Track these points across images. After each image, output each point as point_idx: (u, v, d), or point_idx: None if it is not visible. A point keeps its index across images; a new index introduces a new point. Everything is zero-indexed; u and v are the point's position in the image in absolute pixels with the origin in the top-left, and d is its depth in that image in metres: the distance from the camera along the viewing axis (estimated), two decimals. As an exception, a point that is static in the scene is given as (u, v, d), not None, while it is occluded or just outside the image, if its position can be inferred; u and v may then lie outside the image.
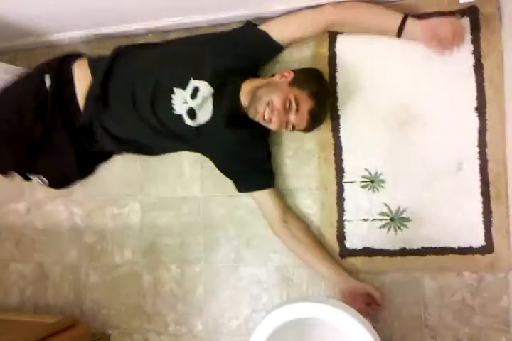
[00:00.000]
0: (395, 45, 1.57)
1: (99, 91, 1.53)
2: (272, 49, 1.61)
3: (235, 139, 1.58)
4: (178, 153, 1.76)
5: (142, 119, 1.53)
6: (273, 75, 1.54)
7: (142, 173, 1.84)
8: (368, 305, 1.54)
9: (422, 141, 1.57)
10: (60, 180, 1.73)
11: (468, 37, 1.52)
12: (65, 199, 1.92)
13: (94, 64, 1.59)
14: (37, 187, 1.91)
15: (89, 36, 1.85)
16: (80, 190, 1.89)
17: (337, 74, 1.64)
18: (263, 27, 1.57)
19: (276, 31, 1.56)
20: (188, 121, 1.52)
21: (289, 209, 1.64)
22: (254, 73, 1.64)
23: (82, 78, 1.57)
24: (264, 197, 1.60)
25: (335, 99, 1.63)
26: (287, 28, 1.57)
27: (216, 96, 1.51)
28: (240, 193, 1.66)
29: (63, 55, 1.64)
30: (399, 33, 1.49)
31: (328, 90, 1.59)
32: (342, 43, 1.64)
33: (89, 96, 1.54)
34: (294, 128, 1.46)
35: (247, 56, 1.57)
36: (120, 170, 1.85)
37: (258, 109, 1.43)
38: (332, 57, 1.64)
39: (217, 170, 1.66)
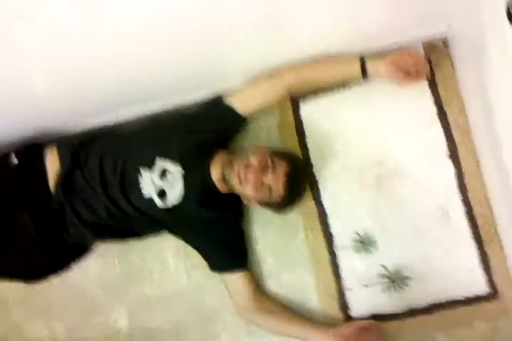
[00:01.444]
0: (356, 102, 1.60)
1: (69, 180, 1.52)
2: (236, 122, 1.60)
3: (207, 219, 1.54)
4: (159, 245, 1.69)
5: (114, 204, 1.49)
6: None
7: (123, 273, 1.73)
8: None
9: (403, 194, 1.55)
10: (30, 274, 1.64)
11: (426, 87, 1.57)
12: (43, 314, 1.77)
13: (62, 152, 1.57)
14: (11, 308, 1.74)
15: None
16: (58, 301, 1.76)
17: (307, 140, 1.63)
18: (229, 99, 1.57)
19: (240, 103, 1.56)
20: (159, 203, 1.48)
21: (261, 294, 1.59)
22: (225, 145, 1.63)
23: (52, 166, 1.56)
24: (234, 279, 1.55)
25: (310, 165, 1.62)
26: (250, 99, 1.57)
27: (186, 176, 1.48)
28: None
29: (30, 143, 1.64)
30: (363, 75, 1.50)
31: (304, 168, 1.59)
32: (306, 109, 1.65)
33: (59, 182, 1.52)
34: (270, 192, 1.41)
35: (213, 130, 1.57)
36: (98, 272, 1.73)
37: (234, 168, 1.41)
38: (299, 125, 1.64)
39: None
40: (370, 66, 1.48)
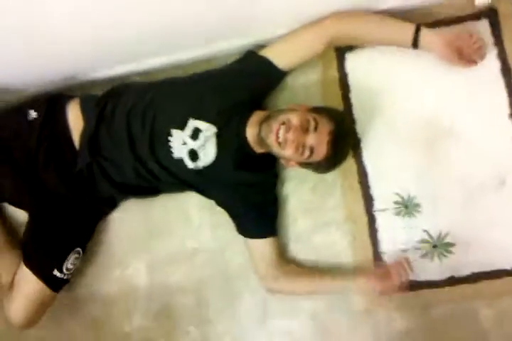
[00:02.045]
0: (411, 56, 1.45)
1: (94, 137, 1.43)
2: (276, 77, 1.48)
3: (241, 181, 1.46)
4: (183, 201, 1.61)
5: (142, 164, 1.42)
6: None
7: (144, 227, 1.64)
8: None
9: (456, 157, 1.45)
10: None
11: (491, 40, 1.44)
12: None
13: (85, 106, 1.48)
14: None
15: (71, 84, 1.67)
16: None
17: (351, 95, 1.51)
18: (264, 52, 1.44)
19: (278, 57, 1.43)
20: (189, 165, 1.39)
21: (284, 261, 1.50)
22: (260, 104, 1.51)
23: (75, 122, 1.47)
24: (260, 246, 1.47)
25: (352, 121, 1.50)
26: (289, 51, 1.44)
27: (220, 136, 1.38)
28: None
29: (52, 95, 1.55)
30: (414, 44, 1.37)
31: (349, 126, 1.48)
32: (352, 61, 1.52)
33: (85, 141, 1.43)
34: (311, 153, 1.28)
35: (249, 88, 1.44)
36: (119, 226, 1.66)
37: (272, 127, 1.28)
38: (343, 78, 1.52)
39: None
40: (423, 38, 1.35)
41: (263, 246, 1.46)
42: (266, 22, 1.45)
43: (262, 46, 1.49)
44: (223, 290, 1.59)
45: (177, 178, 1.45)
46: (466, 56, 1.37)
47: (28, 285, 1.49)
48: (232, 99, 1.41)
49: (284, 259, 1.50)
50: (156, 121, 1.40)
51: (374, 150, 1.50)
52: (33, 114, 1.48)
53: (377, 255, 1.49)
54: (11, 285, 1.52)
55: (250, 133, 1.38)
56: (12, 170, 1.46)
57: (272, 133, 1.28)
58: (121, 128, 1.42)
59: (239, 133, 1.39)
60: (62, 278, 1.51)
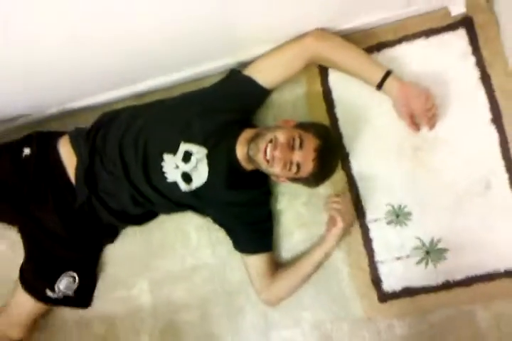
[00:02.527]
0: (390, 66, 1.46)
1: (87, 172, 1.46)
2: (260, 95, 1.50)
3: (234, 200, 1.48)
4: (181, 221, 1.64)
5: (137, 190, 1.44)
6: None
7: (145, 248, 1.68)
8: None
9: (441, 164, 1.48)
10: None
11: (469, 49, 1.47)
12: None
13: (76, 141, 1.50)
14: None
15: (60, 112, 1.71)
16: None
17: (336, 110, 1.54)
18: (247, 72, 1.47)
19: (261, 75, 1.45)
20: (183, 187, 1.41)
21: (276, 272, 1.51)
22: (248, 122, 1.53)
23: (68, 158, 1.49)
24: (256, 261, 1.49)
25: (339, 135, 1.53)
26: (271, 69, 1.46)
27: (211, 157, 1.40)
28: None
29: (41, 132, 1.57)
30: (379, 87, 1.42)
31: (335, 142, 1.49)
32: (335, 76, 1.55)
33: (80, 176, 1.46)
34: (298, 169, 1.31)
35: (235, 108, 1.47)
36: (120, 247, 1.69)
37: (259, 146, 1.31)
38: (327, 93, 1.55)
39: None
40: (388, 85, 1.39)
41: (259, 262, 1.48)
42: (249, 41, 1.47)
43: (245, 64, 1.52)
44: (225, 305, 1.61)
45: (171, 201, 1.47)
46: (417, 119, 1.42)
47: (22, 299, 1.57)
48: (219, 121, 1.43)
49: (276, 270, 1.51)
50: (148, 147, 1.42)
51: (362, 163, 1.52)
52: (26, 150, 1.51)
53: (372, 264, 1.51)
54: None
55: (240, 151, 1.40)
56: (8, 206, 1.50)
57: (259, 152, 1.32)
58: (114, 157, 1.44)
59: (229, 153, 1.41)
60: (55, 298, 1.56)
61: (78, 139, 1.50)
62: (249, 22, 1.30)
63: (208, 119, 1.42)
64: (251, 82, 1.46)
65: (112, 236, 1.67)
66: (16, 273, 1.61)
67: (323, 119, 1.55)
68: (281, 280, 1.48)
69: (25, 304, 1.57)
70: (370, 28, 1.52)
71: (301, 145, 1.29)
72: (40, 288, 1.55)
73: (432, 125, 1.42)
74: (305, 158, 1.30)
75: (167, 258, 1.65)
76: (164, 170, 1.42)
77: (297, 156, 1.29)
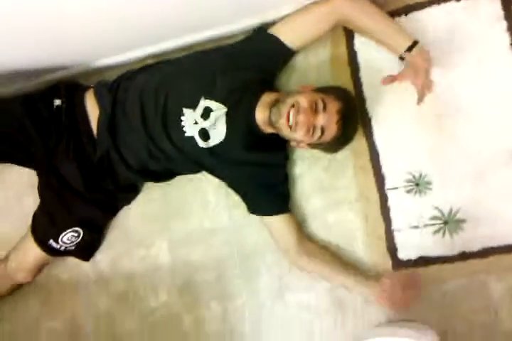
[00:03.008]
0: (418, 30, 1.45)
1: (109, 123, 1.47)
2: (285, 55, 1.49)
3: (250, 161, 1.49)
4: (200, 183, 1.66)
5: (155, 144, 1.45)
6: None
7: (164, 209, 1.71)
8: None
9: (466, 133, 1.45)
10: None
11: (501, 13, 1.42)
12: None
13: (100, 93, 1.52)
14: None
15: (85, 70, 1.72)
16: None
17: (361, 73, 1.51)
18: (273, 30, 1.45)
19: (288, 34, 1.43)
20: (200, 143, 1.42)
21: (304, 237, 1.53)
22: (270, 84, 1.52)
23: (92, 110, 1.51)
24: (276, 223, 1.49)
25: (362, 100, 1.51)
26: (298, 29, 1.44)
27: (230, 116, 1.40)
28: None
29: (70, 84, 1.60)
30: (401, 58, 1.38)
31: (356, 104, 1.47)
32: (361, 39, 1.51)
33: (102, 128, 1.48)
34: (322, 133, 1.31)
35: (259, 67, 1.46)
36: (139, 207, 1.72)
37: (282, 111, 1.30)
38: (352, 56, 1.52)
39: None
40: (410, 57, 1.35)
41: (278, 223, 1.49)
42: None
43: (270, 23, 1.50)
44: (241, 267, 1.65)
45: (188, 157, 1.48)
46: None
47: (30, 244, 1.63)
48: (242, 79, 1.42)
49: (303, 236, 1.53)
50: (169, 100, 1.42)
51: (384, 129, 1.50)
52: (57, 102, 1.53)
53: (389, 232, 1.52)
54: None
55: (260, 114, 1.40)
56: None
57: (282, 117, 1.31)
58: (134, 109, 1.45)
59: (248, 115, 1.41)
60: (57, 249, 1.62)
61: (102, 91, 1.52)
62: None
63: (230, 76, 1.42)
64: (277, 41, 1.44)
65: (128, 196, 1.70)
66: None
67: (347, 82, 1.52)
68: (311, 264, 1.51)
69: (32, 251, 1.63)
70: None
71: (324, 108, 1.29)
72: (45, 238, 1.61)
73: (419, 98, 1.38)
74: (329, 120, 1.29)
75: (185, 220, 1.68)
76: (183, 124, 1.42)
77: (321, 120, 1.29)
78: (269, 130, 1.43)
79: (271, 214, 1.49)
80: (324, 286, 1.56)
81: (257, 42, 1.48)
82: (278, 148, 1.52)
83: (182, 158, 1.49)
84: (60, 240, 1.60)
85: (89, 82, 1.67)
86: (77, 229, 1.61)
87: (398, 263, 1.51)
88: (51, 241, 1.60)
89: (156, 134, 1.44)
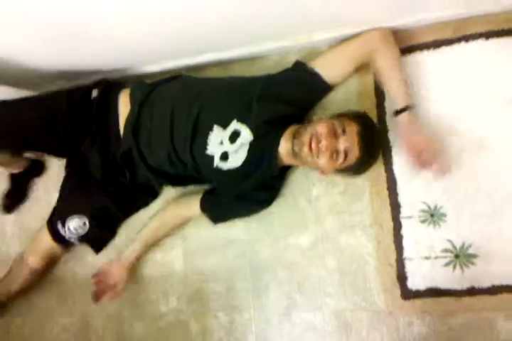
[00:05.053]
0: (449, 68, 1.50)
1: (135, 124, 1.52)
2: (323, 90, 1.54)
3: (244, 192, 1.57)
4: None
5: (176, 153, 1.49)
6: None
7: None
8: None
9: (484, 169, 1.46)
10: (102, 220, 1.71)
11: None
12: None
13: (134, 92, 1.58)
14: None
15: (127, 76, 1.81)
16: (118, 234, 1.82)
17: (385, 103, 1.55)
18: (313, 65, 1.50)
19: (327, 69, 1.49)
20: (216, 163, 1.47)
21: None
22: (300, 118, 1.55)
23: (123, 108, 1.57)
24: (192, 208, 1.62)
25: (385, 129, 1.54)
26: (335, 63, 1.49)
27: (254, 145, 1.44)
28: (287, 235, 1.64)
29: (110, 80, 1.67)
30: (394, 114, 1.45)
31: (374, 124, 1.49)
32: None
33: (128, 126, 1.53)
34: (346, 156, 1.34)
35: (299, 102, 1.51)
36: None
37: (303, 140, 1.35)
38: (379, 86, 1.55)
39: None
40: (401, 117, 1.42)
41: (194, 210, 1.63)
42: (313, 24, 1.50)
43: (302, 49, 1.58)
44: (252, 281, 1.68)
45: (199, 171, 1.53)
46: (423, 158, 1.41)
47: (43, 235, 1.71)
48: (276, 113, 1.46)
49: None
50: (202, 113, 1.45)
51: (404, 158, 1.51)
52: (94, 93, 1.60)
53: (400, 260, 1.52)
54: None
55: (282, 147, 1.45)
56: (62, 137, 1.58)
57: (304, 145, 1.35)
58: (163, 115, 1.49)
59: (271, 148, 1.46)
60: (63, 235, 1.67)
61: (136, 92, 1.58)
62: (319, 5, 1.32)
63: (267, 106, 1.44)
64: (317, 76, 1.48)
65: (145, 198, 1.76)
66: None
67: (371, 111, 1.56)
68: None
69: (44, 236, 1.70)
70: (427, 24, 1.52)
71: (343, 132, 1.32)
72: (54, 219, 1.67)
73: (425, 167, 1.43)
74: (350, 142, 1.33)
75: (202, 229, 1.73)
76: (208, 141, 1.45)
77: (343, 143, 1.33)
78: (290, 161, 1.47)
79: (209, 218, 1.62)
80: (331, 309, 1.59)
81: (298, 75, 1.52)
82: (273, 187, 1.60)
83: (195, 170, 1.53)
84: (66, 225, 1.65)
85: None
86: (85, 217, 1.66)
87: (407, 292, 1.52)
88: (59, 225, 1.65)
89: (181, 143, 1.47)
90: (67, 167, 1.73)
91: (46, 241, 1.70)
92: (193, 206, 1.61)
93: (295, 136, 1.38)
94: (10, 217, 1.96)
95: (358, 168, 1.42)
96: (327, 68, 1.47)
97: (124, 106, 1.57)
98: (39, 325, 1.90)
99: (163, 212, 1.67)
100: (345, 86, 1.59)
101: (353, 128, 1.33)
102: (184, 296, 1.75)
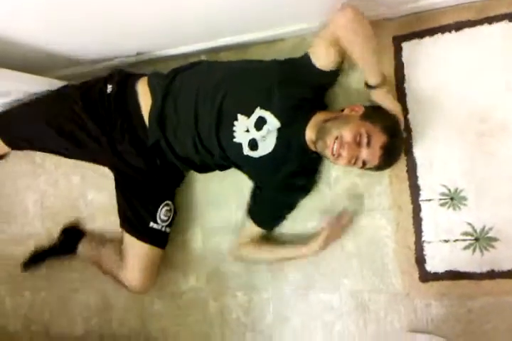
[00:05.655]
0: (469, 48, 1.46)
1: (159, 115, 1.51)
2: (322, 76, 1.50)
3: (283, 179, 1.53)
4: (239, 178, 1.68)
5: (201, 142, 1.50)
6: (342, 110, 1.45)
7: (203, 198, 1.78)
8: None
9: (505, 153, 1.44)
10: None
11: None
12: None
13: (153, 83, 1.56)
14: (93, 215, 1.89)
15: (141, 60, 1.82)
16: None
17: (405, 85, 1.52)
18: (310, 53, 1.47)
19: (317, 59, 1.45)
20: (246, 151, 1.46)
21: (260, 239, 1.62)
22: (321, 103, 1.55)
23: (144, 98, 1.56)
24: (251, 229, 1.60)
25: (405, 111, 1.51)
26: (322, 53, 1.44)
27: (282, 132, 1.43)
28: (307, 218, 1.63)
29: (124, 71, 1.66)
30: (368, 86, 1.44)
31: (401, 135, 1.46)
32: (409, 51, 1.53)
33: (153, 118, 1.52)
34: (364, 164, 1.35)
35: (311, 85, 1.48)
36: (179, 195, 1.78)
37: (327, 143, 1.34)
38: (399, 68, 1.53)
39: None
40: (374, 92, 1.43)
41: (253, 230, 1.61)
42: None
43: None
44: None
45: (229, 159, 1.53)
46: None
47: (135, 248, 1.62)
48: (298, 97, 1.45)
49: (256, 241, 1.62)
50: (225, 102, 1.44)
51: (425, 142, 1.51)
52: (109, 87, 1.59)
53: (419, 243, 1.52)
54: (120, 257, 1.65)
55: (308, 134, 1.44)
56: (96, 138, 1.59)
57: (327, 148, 1.35)
58: (187, 105, 1.49)
59: (299, 134, 1.45)
60: (159, 230, 1.63)
61: (155, 81, 1.57)
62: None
63: (287, 92, 1.43)
64: (313, 67, 1.45)
65: (175, 179, 1.75)
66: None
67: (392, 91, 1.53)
68: (254, 250, 1.60)
69: (136, 249, 1.62)
70: (449, 5, 1.48)
71: (368, 143, 1.31)
72: (145, 223, 1.62)
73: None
74: (372, 155, 1.33)
75: (221, 210, 1.75)
76: (235, 129, 1.45)
77: (364, 154, 1.32)
78: (314, 149, 1.46)
79: (259, 226, 1.59)
80: (348, 290, 1.60)
81: (303, 63, 1.49)
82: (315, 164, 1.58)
83: (223, 159, 1.53)
84: (158, 218, 1.62)
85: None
86: (167, 202, 1.66)
87: (425, 275, 1.52)
88: (151, 224, 1.62)
89: (206, 133, 1.47)
90: (114, 173, 1.71)
91: (142, 252, 1.63)
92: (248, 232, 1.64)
93: (319, 137, 1.37)
94: (32, 196, 1.99)
95: (376, 170, 1.45)
96: (317, 58, 1.44)
97: (143, 95, 1.56)
98: (62, 302, 1.95)
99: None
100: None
101: (378, 141, 1.31)
102: (203, 275, 1.77)
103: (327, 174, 1.62)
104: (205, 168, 1.66)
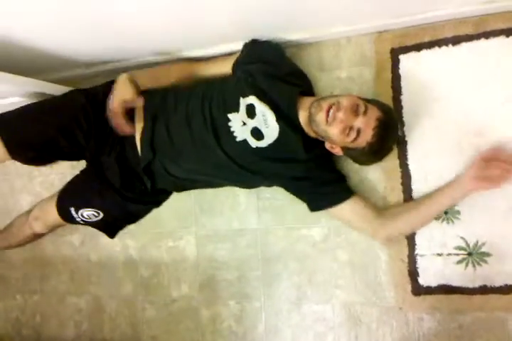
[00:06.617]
0: (469, 64, 1.45)
1: (151, 140, 1.51)
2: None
3: (305, 158, 1.43)
4: None
5: (205, 156, 1.46)
6: None
7: (196, 205, 1.78)
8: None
9: (500, 168, 1.41)
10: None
11: None
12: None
13: (146, 106, 1.54)
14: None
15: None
16: (134, 225, 1.84)
17: (402, 97, 1.52)
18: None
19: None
20: (253, 144, 1.41)
21: (375, 208, 1.49)
22: (308, 92, 1.54)
23: (137, 120, 1.55)
24: (344, 210, 1.45)
25: (401, 124, 1.51)
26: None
27: (277, 112, 1.39)
28: (300, 225, 1.62)
29: None
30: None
31: (396, 120, 1.44)
32: (406, 64, 1.52)
33: (145, 142, 1.51)
34: (357, 136, 1.30)
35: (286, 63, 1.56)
36: (174, 202, 1.79)
37: (322, 105, 1.31)
38: (396, 80, 1.53)
39: (277, 199, 1.64)
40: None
41: (346, 210, 1.45)
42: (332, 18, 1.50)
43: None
44: (263, 270, 1.69)
45: (237, 163, 1.45)
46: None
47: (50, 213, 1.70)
48: (272, 73, 1.46)
49: (376, 209, 1.49)
50: (213, 111, 1.44)
51: (419, 154, 1.50)
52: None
53: (412, 256, 1.51)
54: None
55: (302, 116, 1.40)
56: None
57: (322, 111, 1.31)
58: (181, 129, 1.48)
59: (293, 116, 1.41)
60: (75, 218, 1.66)
61: (149, 105, 1.54)
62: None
63: (262, 72, 1.45)
64: None
65: (158, 199, 1.77)
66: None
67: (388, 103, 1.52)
68: (395, 225, 1.45)
69: (53, 210, 1.68)
70: (447, 19, 1.48)
71: (365, 112, 1.29)
72: (68, 204, 1.66)
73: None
74: (366, 124, 1.29)
75: (215, 218, 1.75)
76: (232, 129, 1.42)
77: (359, 122, 1.29)
78: (310, 132, 1.42)
79: (332, 206, 1.45)
80: (340, 301, 1.59)
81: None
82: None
83: (235, 168, 1.46)
84: (79, 212, 1.63)
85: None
86: (99, 211, 1.64)
87: (418, 288, 1.51)
88: (72, 210, 1.64)
89: (209, 146, 1.43)
90: (88, 164, 1.71)
91: (54, 215, 1.68)
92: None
93: (315, 101, 1.35)
94: (27, 198, 2.00)
95: (368, 155, 1.39)
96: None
97: (138, 115, 1.55)
98: (54, 306, 1.96)
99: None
100: (360, 76, 1.59)
101: (374, 113, 1.30)
102: (196, 283, 1.77)
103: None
104: (201, 185, 1.67)
